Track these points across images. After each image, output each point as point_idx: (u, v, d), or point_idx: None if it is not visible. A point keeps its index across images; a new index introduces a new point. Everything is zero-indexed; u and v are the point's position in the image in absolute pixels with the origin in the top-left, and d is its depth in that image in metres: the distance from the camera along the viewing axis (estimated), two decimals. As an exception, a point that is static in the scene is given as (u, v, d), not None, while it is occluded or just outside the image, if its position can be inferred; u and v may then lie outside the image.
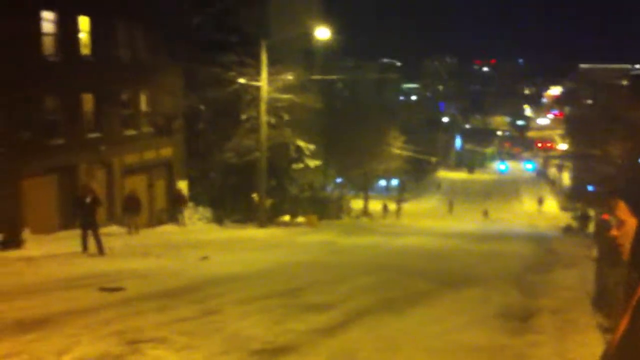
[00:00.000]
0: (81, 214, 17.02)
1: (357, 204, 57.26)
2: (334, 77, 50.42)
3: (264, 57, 29.55)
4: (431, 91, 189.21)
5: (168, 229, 27.44)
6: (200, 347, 6.53)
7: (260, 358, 6.17)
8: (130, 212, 23.71)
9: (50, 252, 16.69)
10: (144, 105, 30.05)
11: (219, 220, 32.47)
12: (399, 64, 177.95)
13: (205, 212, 33.07)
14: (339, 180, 57.83)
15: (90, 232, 16.56)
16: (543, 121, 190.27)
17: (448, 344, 7.18)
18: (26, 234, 19.05)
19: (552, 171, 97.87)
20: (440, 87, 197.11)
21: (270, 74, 30.88)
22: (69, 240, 18.36)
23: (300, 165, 37.03)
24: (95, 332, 7.14)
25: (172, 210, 29.41)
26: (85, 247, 16.58)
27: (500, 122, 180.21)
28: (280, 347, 6.65)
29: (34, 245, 17.91)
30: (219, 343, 6.74)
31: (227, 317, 8.24)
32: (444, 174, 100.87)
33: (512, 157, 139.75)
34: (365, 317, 8.58)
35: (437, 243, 25.15)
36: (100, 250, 16.44)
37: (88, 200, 16.81)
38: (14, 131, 21.80)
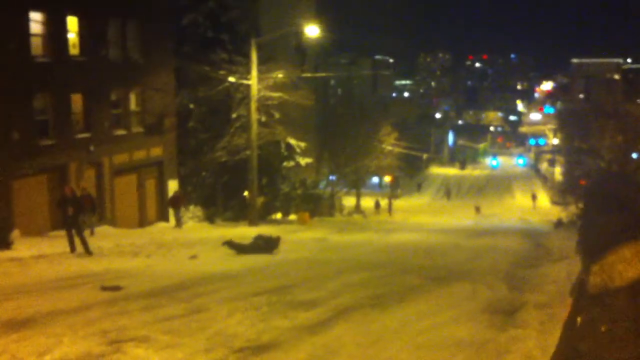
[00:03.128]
0: (65, 215, 17.04)
1: (349, 201, 57.33)
2: (326, 74, 50.38)
3: (254, 55, 29.50)
4: (424, 87, 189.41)
5: (159, 227, 27.41)
6: (183, 346, 6.53)
7: (242, 356, 6.17)
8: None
9: (39, 252, 16.64)
10: (134, 105, 29.94)
11: (210, 219, 32.46)
12: (391, 60, 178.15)
13: (196, 210, 33.06)
14: (331, 177, 57.85)
15: (74, 232, 16.54)
16: (535, 116, 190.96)
17: (433, 339, 7.19)
18: (15, 234, 18.97)
19: (544, 166, 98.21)
20: (433, 83, 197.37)
21: (261, 71, 30.87)
22: (58, 241, 18.32)
23: (292, 163, 37.07)
24: (79, 332, 7.13)
25: (173, 211, 29.22)
26: (72, 247, 16.55)
27: (493, 117, 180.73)
28: (263, 345, 6.65)
29: (23, 246, 17.85)
30: (203, 341, 6.74)
31: (213, 315, 8.25)
32: (436, 170, 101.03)
33: (505, 152, 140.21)
34: (352, 313, 8.59)
35: (429, 239, 25.18)
36: (87, 251, 16.42)
37: (71, 199, 16.83)
38: (4, 132, 21.72)
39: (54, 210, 23.47)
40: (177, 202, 28.80)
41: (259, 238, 18.09)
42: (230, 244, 17.35)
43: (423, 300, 9.92)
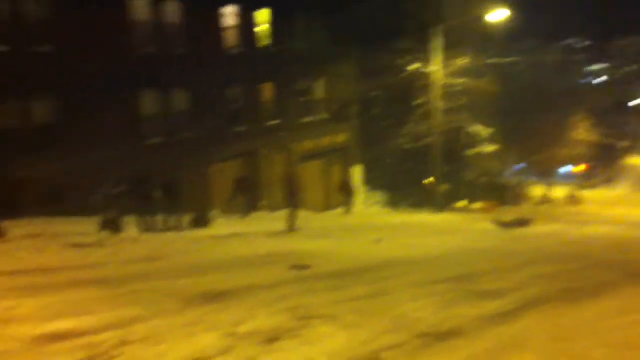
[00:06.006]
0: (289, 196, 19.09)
1: (537, 191, 54.85)
2: (512, 60, 48.44)
3: (437, 43, 29.18)
4: (619, 73, 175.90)
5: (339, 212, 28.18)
6: (367, 326, 6.67)
7: (425, 341, 6.17)
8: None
9: (234, 231, 17.81)
10: (320, 93, 30.91)
11: (393, 204, 32.70)
12: (583, 44, 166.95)
13: (380, 196, 33.47)
14: (517, 166, 55.73)
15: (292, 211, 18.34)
16: None
17: (629, 338, 6.70)
18: (213, 214, 20.45)
19: None
20: (629, 69, 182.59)
21: (444, 58, 30.45)
22: (252, 221, 19.48)
23: (476, 151, 36.23)
24: (271, 307, 7.55)
25: (343, 198, 29.95)
26: (291, 226, 18.27)
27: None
28: (446, 331, 6.60)
29: (220, 225, 19.20)
30: (386, 323, 6.83)
31: (396, 299, 8.33)
32: (634, 160, 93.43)
33: None
34: (540, 306, 8.24)
35: (623, 233, 23.43)
36: (292, 228, 18.08)
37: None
38: (205, 121, 23.47)
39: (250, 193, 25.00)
40: (344, 189, 28.98)
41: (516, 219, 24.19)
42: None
43: (618, 297, 9.27)
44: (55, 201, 20.00)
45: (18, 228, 17.23)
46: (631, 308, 8.39)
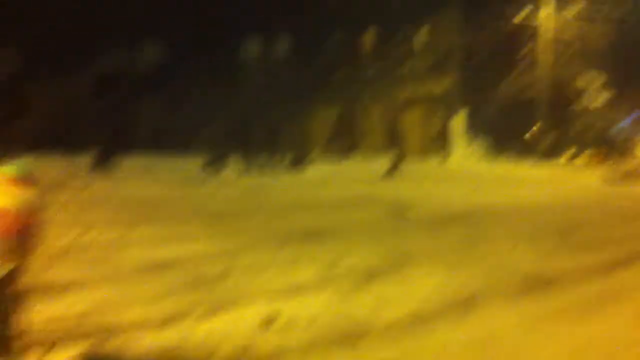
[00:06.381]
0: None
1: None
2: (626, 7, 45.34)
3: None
4: None
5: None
6: (465, 270, 6.73)
7: (521, 288, 6.13)
8: None
9: (334, 173, 18.00)
10: (423, 41, 30.29)
11: (495, 154, 32.06)
12: None
13: (481, 145, 32.83)
14: (629, 118, 52.77)
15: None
16: None
17: None
18: (313, 155, 20.69)
19: None
20: None
21: (555, 6, 29.03)
22: (351, 163, 19.41)
23: (585, 102, 34.64)
24: (369, 246, 7.76)
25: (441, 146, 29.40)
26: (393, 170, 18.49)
27: None
28: (544, 280, 6.51)
29: (319, 167, 19.42)
30: (484, 268, 6.85)
31: (495, 246, 8.28)
32: None
33: None
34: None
35: None
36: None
37: None
38: (306, 66, 23.55)
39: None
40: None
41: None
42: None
43: None
44: (165, 138, 20.89)
45: (129, 162, 18.19)
46: None
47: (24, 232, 2.47)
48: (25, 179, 2.58)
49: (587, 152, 35.68)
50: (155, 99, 22.46)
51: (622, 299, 6.02)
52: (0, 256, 2.43)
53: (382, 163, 21.03)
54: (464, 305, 5.43)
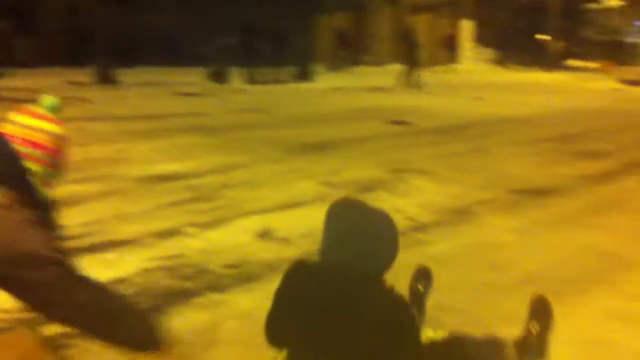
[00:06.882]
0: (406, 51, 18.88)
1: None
2: None
3: None
4: None
5: (448, 68, 27.46)
6: (462, 181, 6.74)
7: (518, 197, 6.18)
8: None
9: (338, 85, 17.90)
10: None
11: (504, 61, 31.51)
12: None
13: (490, 53, 32.24)
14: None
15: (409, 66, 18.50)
16: None
17: None
18: (318, 67, 20.51)
19: None
20: None
21: None
22: (355, 75, 19.42)
23: (597, 5, 33.71)
24: (367, 159, 7.76)
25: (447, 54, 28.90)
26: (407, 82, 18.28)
27: None
28: (541, 189, 6.56)
29: (324, 79, 19.32)
30: (481, 179, 6.86)
31: (494, 157, 8.29)
32: None
33: None
34: (643, 168, 7.97)
35: None
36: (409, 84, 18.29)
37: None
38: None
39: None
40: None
41: None
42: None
43: None
44: (167, 51, 20.66)
45: (131, 76, 18.08)
46: None
47: (62, 155, 2.70)
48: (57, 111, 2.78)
49: (598, 57, 35.03)
50: (155, 12, 22.06)
51: (622, 207, 6.05)
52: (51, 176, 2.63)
53: (389, 73, 20.77)
54: (459, 214, 5.51)
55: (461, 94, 17.46)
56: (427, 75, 18.90)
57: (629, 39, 43.48)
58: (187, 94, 15.02)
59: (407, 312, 1.86)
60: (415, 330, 1.88)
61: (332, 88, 17.26)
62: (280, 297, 1.93)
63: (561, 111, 14.48)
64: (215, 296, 3.69)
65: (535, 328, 2.51)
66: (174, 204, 5.58)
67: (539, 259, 4.39)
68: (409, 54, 18.44)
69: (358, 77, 19.89)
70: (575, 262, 4.36)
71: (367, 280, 1.81)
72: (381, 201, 5.93)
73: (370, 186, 6.43)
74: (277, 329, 1.95)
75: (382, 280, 1.86)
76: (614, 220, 5.55)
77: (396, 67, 23.87)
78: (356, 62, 24.65)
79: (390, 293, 1.83)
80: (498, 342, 2.34)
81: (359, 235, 1.82)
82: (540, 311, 2.59)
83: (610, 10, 35.18)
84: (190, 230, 4.87)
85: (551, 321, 2.58)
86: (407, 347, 1.77)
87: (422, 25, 28.97)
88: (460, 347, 2.17)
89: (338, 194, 6.06)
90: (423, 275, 2.98)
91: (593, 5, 33.85)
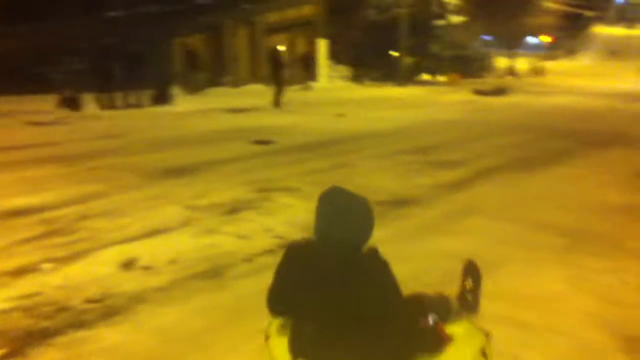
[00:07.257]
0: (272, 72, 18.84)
1: (503, 63, 54.72)
2: None
3: None
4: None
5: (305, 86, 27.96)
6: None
7: (382, 208, 6.35)
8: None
9: (196, 108, 17.64)
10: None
11: (358, 78, 32.48)
12: None
13: (344, 70, 33.13)
14: (485, 37, 55.12)
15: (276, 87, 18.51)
16: None
17: (581, 202, 6.96)
18: (175, 90, 20.10)
19: None
20: None
21: None
22: (214, 97, 19.24)
23: (443, 22, 35.70)
24: (232, 180, 7.67)
25: (304, 73, 29.40)
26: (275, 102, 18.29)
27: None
28: (403, 199, 6.80)
29: (182, 101, 18.97)
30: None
31: (357, 171, 8.50)
32: (600, 30, 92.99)
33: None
34: (496, 174, 8.48)
35: (584, 103, 23.78)
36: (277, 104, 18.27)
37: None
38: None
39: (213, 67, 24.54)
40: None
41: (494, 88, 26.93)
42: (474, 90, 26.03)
43: (573, 164, 9.56)
44: (16, 78, 19.42)
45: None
46: (584, 174, 8.65)
47: None
48: None
49: (446, 71, 37.01)
50: (3, 33, 20.76)
51: (476, 212, 6.39)
52: None
53: (248, 93, 20.80)
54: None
55: (322, 111, 17.77)
56: (288, 94, 19.05)
57: (476, 53, 46.39)
58: (38, 123, 14.18)
59: (388, 270, 2.30)
60: (396, 285, 2.31)
61: (192, 110, 16.98)
62: (282, 270, 2.35)
63: (418, 124, 15.11)
64: (78, 334, 3.48)
65: (469, 284, 3.04)
66: (28, 240, 5.23)
67: (402, 268, 4.48)
68: (276, 74, 18.57)
69: (217, 98, 19.67)
70: (438, 267, 4.52)
71: (357, 250, 2.28)
72: (249, 221, 5.88)
73: (237, 207, 6.36)
74: (280, 298, 2.35)
75: (366, 248, 2.32)
76: (471, 225, 5.84)
77: (255, 88, 24.03)
78: (214, 83, 24.43)
79: (374, 256, 2.30)
80: (445, 297, 2.71)
81: (349, 215, 2.29)
82: (472, 271, 3.10)
83: (455, 26, 37.35)
84: (47, 266, 4.58)
85: (481, 279, 3.09)
86: (392, 298, 2.26)
87: (281, 46, 29.34)
88: (419, 302, 2.56)
89: (205, 218, 5.95)
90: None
91: (440, 22, 35.78)
